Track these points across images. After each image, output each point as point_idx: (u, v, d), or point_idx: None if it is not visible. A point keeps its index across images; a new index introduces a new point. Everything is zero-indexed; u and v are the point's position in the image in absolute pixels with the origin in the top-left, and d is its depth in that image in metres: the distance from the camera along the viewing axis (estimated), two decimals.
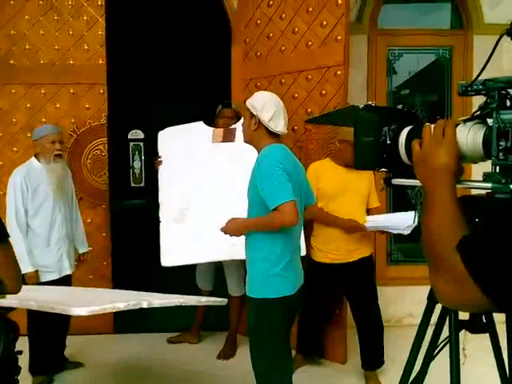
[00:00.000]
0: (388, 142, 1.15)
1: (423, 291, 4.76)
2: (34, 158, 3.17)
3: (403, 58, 4.28)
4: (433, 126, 1.06)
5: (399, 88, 4.37)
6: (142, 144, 8.69)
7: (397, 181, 1.19)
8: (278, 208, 2.07)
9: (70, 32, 3.90)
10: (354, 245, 3.13)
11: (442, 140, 1.01)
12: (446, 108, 4.29)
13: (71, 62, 3.92)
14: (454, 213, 0.93)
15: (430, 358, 1.24)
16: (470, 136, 1.02)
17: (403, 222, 2.96)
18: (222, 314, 3.80)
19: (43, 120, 3.88)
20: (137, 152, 9.09)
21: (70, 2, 3.89)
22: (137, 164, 9.52)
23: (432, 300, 1.25)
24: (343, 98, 3.37)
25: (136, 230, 6.39)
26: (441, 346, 1.24)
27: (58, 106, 3.93)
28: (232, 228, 2.31)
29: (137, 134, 8.81)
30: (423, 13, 4.34)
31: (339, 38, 3.36)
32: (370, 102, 1.20)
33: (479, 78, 1.15)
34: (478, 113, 1.04)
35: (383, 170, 1.19)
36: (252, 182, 2.22)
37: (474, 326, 1.16)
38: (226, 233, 2.32)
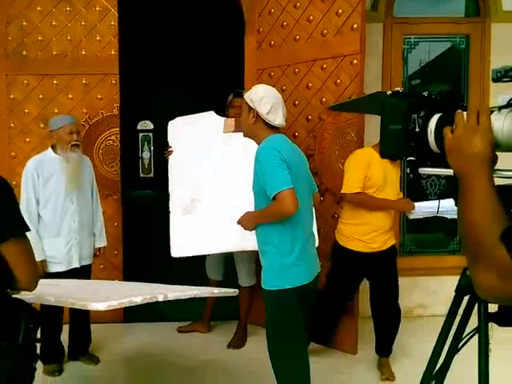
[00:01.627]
0: (417, 129, 1.12)
1: (434, 282, 4.77)
2: (50, 148, 3.16)
3: (419, 46, 4.21)
4: (465, 113, 1.03)
5: (411, 77, 4.30)
6: (151, 134, 8.69)
7: (424, 170, 1.16)
8: (276, 197, 2.06)
9: (83, 23, 3.89)
10: (388, 234, 3.13)
11: (477, 127, 0.98)
12: (463, 97, 4.22)
13: (83, 52, 3.90)
14: (493, 203, 0.90)
15: (454, 350, 1.21)
16: (506, 124, 0.99)
17: (444, 207, 2.98)
18: (232, 304, 3.79)
19: (55, 111, 3.87)
20: (146, 142, 9.10)
21: None
22: (146, 154, 9.52)
23: (460, 292, 1.21)
24: (359, 88, 3.33)
25: (145, 220, 6.41)
26: (466, 338, 1.21)
27: (71, 96, 3.92)
28: (244, 222, 2.33)
29: (146, 124, 8.81)
30: (439, 1, 4.27)
31: (355, 26, 3.31)
32: (397, 89, 1.17)
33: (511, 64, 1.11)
34: None
35: (410, 158, 1.16)
36: (254, 173, 2.23)
37: (503, 318, 1.14)
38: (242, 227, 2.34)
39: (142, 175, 9.29)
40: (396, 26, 4.16)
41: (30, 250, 1.50)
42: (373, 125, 3.74)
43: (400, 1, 4.18)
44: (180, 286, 2.52)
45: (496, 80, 1.08)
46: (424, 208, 3.08)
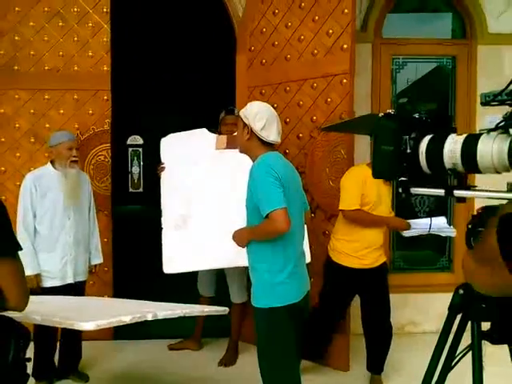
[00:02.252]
0: (408, 150, 1.15)
1: (424, 299, 4.78)
2: (49, 163, 3.17)
3: (407, 66, 4.30)
4: None
5: (399, 96, 4.38)
6: (140, 149, 8.67)
7: (416, 190, 1.19)
8: (269, 216, 2.08)
9: (75, 38, 3.91)
10: (380, 250, 3.17)
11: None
12: (451, 117, 4.30)
13: (75, 68, 3.92)
14: None
15: (448, 368, 1.22)
16: (495, 146, 1.03)
17: (437, 225, 3.04)
18: (223, 321, 3.77)
19: (47, 126, 3.88)
20: (135, 157, 9.08)
21: (75, 9, 3.90)
22: (135, 169, 9.49)
23: (452, 311, 1.23)
24: (349, 106, 3.38)
25: (135, 235, 6.38)
26: (459, 356, 1.22)
27: (62, 111, 3.92)
28: (237, 238, 2.34)
29: (136, 139, 8.81)
30: (427, 22, 4.37)
31: (345, 46, 3.38)
32: (389, 111, 1.20)
33: (498, 89, 1.15)
34: (503, 123, 1.05)
35: (402, 178, 1.19)
36: (248, 189, 2.24)
37: (495, 336, 1.16)
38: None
39: (131, 190, 9.25)
40: (384, 46, 4.25)
41: (21, 270, 1.49)
42: (362, 143, 3.81)
43: (389, 22, 4.27)
44: (170, 304, 2.51)
45: (485, 104, 1.12)
46: (417, 225, 3.11)
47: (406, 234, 3.13)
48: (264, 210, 2.09)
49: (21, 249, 1.48)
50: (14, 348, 1.49)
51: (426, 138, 1.15)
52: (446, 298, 4.72)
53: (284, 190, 2.12)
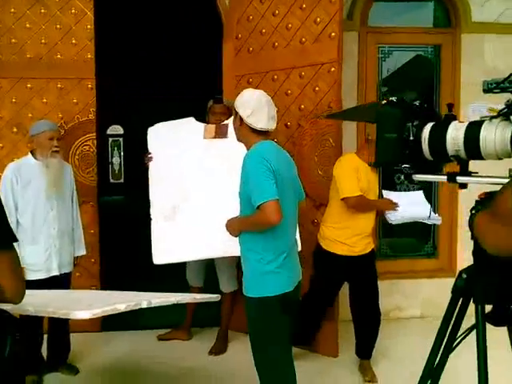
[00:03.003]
0: (411, 138, 1.16)
1: (409, 285, 4.85)
2: (30, 153, 3.09)
3: (393, 55, 4.32)
4: None
5: (382, 84, 4.40)
6: (121, 139, 8.53)
7: (418, 177, 1.20)
8: (260, 207, 2.07)
9: (58, 26, 3.82)
10: (369, 237, 3.20)
11: None
12: (434, 105, 4.34)
13: (59, 56, 3.83)
14: None
15: (449, 349, 1.25)
16: (497, 133, 1.04)
17: (422, 213, 3.10)
18: (213, 310, 3.79)
19: (30, 115, 3.80)
20: (116, 148, 8.94)
21: None
22: (116, 160, 9.35)
23: (456, 294, 1.25)
24: (337, 95, 3.39)
25: (118, 226, 6.32)
26: (460, 338, 1.25)
27: (45, 100, 3.84)
28: (229, 228, 2.34)
29: (116, 129, 8.66)
30: (412, 11, 4.40)
31: (333, 34, 3.37)
32: (392, 98, 1.20)
33: (498, 77, 1.17)
34: (505, 111, 1.06)
35: (405, 166, 1.20)
36: (240, 179, 2.23)
37: (497, 318, 1.18)
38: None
39: (112, 181, 9.13)
40: (370, 35, 4.26)
41: (17, 262, 1.46)
42: (349, 132, 3.83)
43: (375, 10, 4.28)
44: (163, 293, 2.51)
45: (487, 91, 1.13)
46: (404, 214, 3.14)
47: (394, 221, 3.17)
48: (255, 201, 2.08)
49: (16, 240, 1.45)
50: (10, 342, 1.47)
51: (429, 126, 1.17)
52: (430, 284, 4.84)
53: (276, 181, 2.11)
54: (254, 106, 2.22)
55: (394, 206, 3.11)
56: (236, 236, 2.32)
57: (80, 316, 1.73)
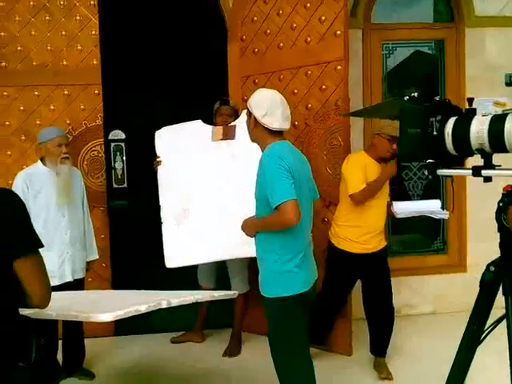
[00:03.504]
0: (434, 133, 1.16)
1: (419, 281, 4.84)
2: (39, 161, 3.10)
3: (397, 51, 4.32)
4: None
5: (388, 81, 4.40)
6: (123, 144, 8.54)
7: (442, 171, 1.21)
8: (278, 207, 2.07)
9: (63, 32, 3.83)
10: (381, 235, 3.20)
11: None
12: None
13: (64, 62, 3.85)
14: None
15: (477, 342, 1.25)
16: None
17: (431, 207, 3.06)
18: (225, 312, 3.80)
19: (37, 122, 3.81)
20: (118, 153, 8.95)
21: (62, 2, 3.82)
22: (118, 165, 9.35)
23: (485, 287, 1.25)
24: (344, 93, 3.39)
25: (124, 230, 6.32)
26: (489, 329, 1.25)
27: (53, 107, 3.86)
28: (246, 228, 2.33)
29: (118, 134, 8.67)
30: (415, 7, 4.39)
31: (338, 32, 3.38)
32: (413, 94, 1.21)
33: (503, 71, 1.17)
34: None
35: (429, 160, 1.20)
36: (257, 180, 2.23)
37: None
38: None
39: (115, 186, 9.14)
40: (374, 31, 4.26)
41: (43, 267, 1.48)
42: (356, 131, 3.83)
43: (378, 7, 4.28)
44: (179, 292, 2.51)
45: (509, 84, 1.13)
46: (410, 208, 3.15)
47: (399, 215, 3.16)
48: (274, 202, 2.08)
49: (42, 245, 1.46)
50: (35, 347, 1.48)
51: (451, 120, 1.17)
52: (440, 280, 4.84)
53: (294, 181, 2.11)
54: (268, 105, 2.21)
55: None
56: (252, 236, 2.32)
57: (103, 319, 1.74)
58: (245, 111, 2.47)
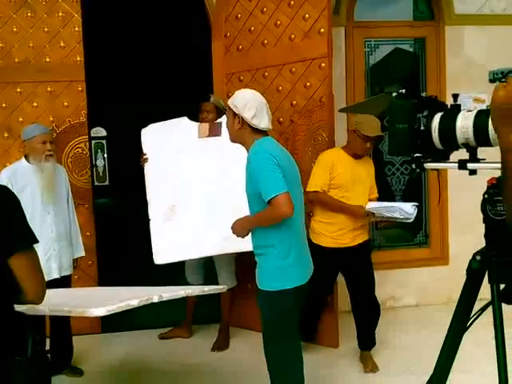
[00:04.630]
0: (422, 128, 1.21)
1: (403, 274, 4.92)
2: (23, 158, 3.08)
3: (379, 49, 4.39)
4: None
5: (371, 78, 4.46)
6: (104, 142, 8.49)
7: (429, 165, 1.26)
8: (271, 201, 2.10)
9: (45, 29, 3.80)
10: (357, 231, 3.23)
11: None
12: None
13: (47, 59, 3.81)
14: None
15: (463, 329, 1.31)
16: None
17: (404, 210, 3.06)
18: (212, 307, 3.82)
19: (20, 119, 3.78)
20: (99, 150, 8.88)
21: None
22: (100, 162, 9.29)
23: (471, 276, 1.31)
24: (328, 90, 3.44)
25: (108, 228, 6.29)
26: (475, 317, 1.31)
27: (35, 104, 3.82)
28: (238, 229, 2.35)
29: (99, 131, 8.61)
30: (397, 4, 4.46)
31: (322, 30, 3.42)
32: (402, 90, 1.25)
33: (502, 68, 1.21)
34: None
35: (417, 155, 1.25)
36: (247, 178, 2.25)
37: (510, 297, 1.24)
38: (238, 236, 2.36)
39: (96, 183, 9.08)
40: (357, 29, 4.32)
41: (38, 263, 1.48)
42: (341, 126, 3.89)
43: (360, 5, 4.34)
44: (170, 287, 2.53)
45: (493, 81, 1.18)
46: (382, 210, 3.13)
47: (368, 208, 3.16)
48: (266, 196, 2.11)
49: (37, 241, 1.47)
50: (31, 342, 1.49)
51: (438, 116, 1.22)
52: (423, 272, 4.92)
53: (284, 175, 2.15)
54: (256, 106, 2.25)
55: (360, 213, 3.10)
56: (244, 236, 2.34)
57: (96, 313, 1.75)
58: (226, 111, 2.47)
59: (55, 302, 2.04)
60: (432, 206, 4.48)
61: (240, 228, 2.32)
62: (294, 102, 3.62)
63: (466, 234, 4.03)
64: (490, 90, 1.25)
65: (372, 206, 3.17)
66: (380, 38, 4.38)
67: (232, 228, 2.35)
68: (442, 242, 4.53)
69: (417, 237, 4.61)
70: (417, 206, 3.11)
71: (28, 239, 1.45)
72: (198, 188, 3.33)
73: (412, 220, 3.11)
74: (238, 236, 2.35)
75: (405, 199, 4.53)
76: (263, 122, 2.27)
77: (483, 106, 1.18)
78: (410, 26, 4.42)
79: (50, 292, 2.61)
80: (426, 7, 4.48)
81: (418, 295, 4.47)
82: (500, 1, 4.40)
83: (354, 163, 3.18)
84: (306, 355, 3.37)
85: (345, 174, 3.14)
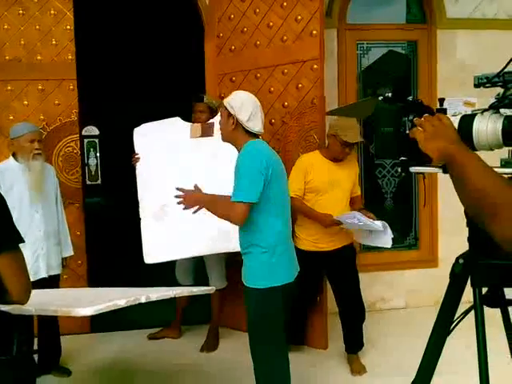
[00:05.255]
0: (407, 131, 1.22)
1: (392, 276, 4.94)
2: (11, 157, 3.07)
3: (371, 51, 4.41)
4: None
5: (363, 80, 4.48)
6: (96, 140, 8.47)
7: (415, 168, 1.27)
8: (234, 203, 2.15)
9: (37, 27, 3.78)
10: (335, 234, 3.23)
11: (445, 123, 1.11)
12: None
13: (39, 57, 3.80)
14: (487, 165, 1.00)
15: (447, 333, 1.32)
16: (489, 125, 1.11)
17: (363, 219, 3.01)
18: (202, 308, 3.82)
19: (11, 118, 3.75)
20: (91, 149, 8.85)
21: None
22: (92, 161, 9.26)
23: (455, 279, 1.32)
24: (320, 92, 3.45)
25: (99, 227, 6.27)
26: (458, 320, 1.32)
27: (26, 102, 3.80)
28: (189, 198, 2.36)
29: (91, 130, 8.59)
30: (389, 7, 4.48)
31: (314, 32, 3.43)
32: (388, 94, 1.26)
33: (488, 72, 1.23)
34: (495, 104, 1.13)
35: (402, 158, 1.26)
36: (234, 177, 2.27)
37: (492, 300, 1.26)
38: (180, 202, 2.35)
39: (88, 182, 9.06)
40: (349, 31, 4.34)
41: (23, 263, 1.48)
42: None
43: (352, 8, 4.35)
44: (159, 288, 2.52)
45: (478, 86, 1.19)
46: (344, 218, 3.10)
47: (344, 226, 3.15)
48: (233, 196, 2.16)
49: (23, 241, 1.47)
50: (17, 341, 1.48)
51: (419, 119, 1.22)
52: (413, 274, 4.94)
53: (270, 178, 2.18)
54: (252, 109, 2.27)
55: (326, 222, 3.09)
56: (190, 207, 2.34)
57: (83, 313, 1.74)
58: (221, 110, 2.48)
59: (42, 301, 2.03)
60: (422, 209, 4.50)
61: (193, 198, 2.33)
62: (286, 104, 3.62)
63: (455, 236, 4.00)
64: (480, 94, 1.26)
65: (341, 215, 3.13)
66: (372, 41, 4.40)
67: (184, 193, 2.34)
68: (432, 244, 4.56)
69: (407, 239, 4.64)
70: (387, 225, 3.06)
71: (14, 239, 1.44)
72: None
73: (386, 236, 3.06)
74: (182, 203, 2.33)
75: (395, 201, 4.58)
76: (257, 125, 2.30)
77: (478, 108, 1.20)
78: (402, 29, 4.44)
79: (37, 292, 2.62)
80: (419, 10, 4.50)
81: (407, 297, 4.50)
82: (492, 5, 4.44)
83: (333, 166, 3.19)
84: (295, 356, 3.41)
85: (320, 178, 3.15)
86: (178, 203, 2.36)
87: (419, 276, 4.47)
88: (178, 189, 2.36)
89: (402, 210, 4.61)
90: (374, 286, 4.38)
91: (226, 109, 2.30)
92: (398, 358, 3.38)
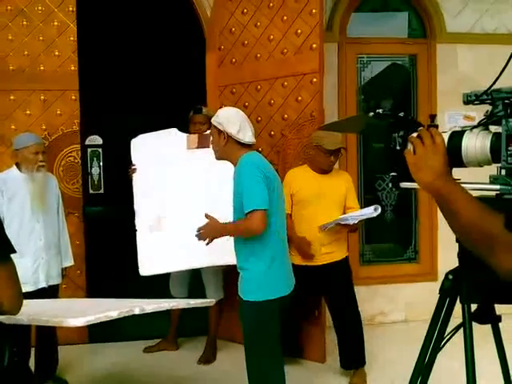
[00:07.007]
0: (397, 147, 1.23)
1: (392, 289, 4.92)
2: (14, 166, 3.09)
3: (371, 65, 4.44)
4: (416, 134, 1.17)
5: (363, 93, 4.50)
6: (100, 150, 8.52)
7: (405, 184, 1.27)
8: (249, 214, 2.16)
9: (41, 38, 3.83)
10: (327, 249, 3.21)
11: (435, 146, 1.11)
12: (412, 115, 4.46)
13: (42, 68, 3.84)
14: (477, 200, 1.01)
15: (437, 348, 1.32)
16: (478, 142, 1.12)
17: (367, 212, 3.05)
18: (198, 320, 3.80)
19: (13, 127, 3.79)
20: (95, 158, 8.91)
21: (40, 8, 3.82)
22: (95, 170, 9.31)
23: (444, 295, 1.32)
24: (319, 105, 3.47)
25: (100, 237, 6.28)
26: (448, 337, 1.32)
27: (29, 112, 3.84)
28: (208, 230, 2.37)
29: (95, 139, 8.64)
30: (389, 21, 4.52)
31: (314, 46, 3.46)
32: (378, 110, 1.27)
33: (480, 89, 1.24)
34: (484, 121, 1.14)
35: (393, 174, 1.27)
36: (234, 191, 2.30)
37: (482, 317, 1.26)
38: (200, 238, 2.38)
39: (91, 191, 9.09)
40: (349, 45, 4.37)
41: (15, 273, 1.48)
42: None
43: (353, 21, 4.39)
44: (155, 300, 2.52)
45: (467, 103, 1.20)
46: (337, 221, 3.12)
47: (323, 227, 3.15)
48: (246, 207, 2.17)
49: (14, 251, 1.47)
50: (8, 352, 1.48)
51: (413, 136, 1.23)
52: (413, 288, 4.91)
53: (270, 188, 2.20)
54: (240, 121, 2.32)
55: (307, 247, 3.11)
56: (210, 241, 2.36)
57: (73, 323, 1.75)
58: (211, 131, 2.50)
59: (35, 311, 2.03)
60: (421, 222, 4.50)
61: (211, 230, 2.34)
62: (286, 116, 3.65)
63: (455, 250, 4.01)
64: (480, 108, 1.27)
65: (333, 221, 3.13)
66: (372, 55, 4.43)
67: (202, 227, 2.35)
68: (432, 257, 4.54)
69: (406, 252, 4.62)
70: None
71: (5, 249, 1.45)
72: (185, 199, 3.34)
73: (376, 214, 3.05)
74: (200, 239, 2.36)
75: (396, 214, 4.57)
76: (247, 135, 2.33)
77: (474, 124, 1.20)
78: (403, 43, 4.47)
79: (31, 302, 2.62)
80: (419, 25, 4.54)
81: (406, 311, 4.47)
82: (492, 20, 4.46)
83: (320, 178, 3.20)
84: (292, 369, 3.40)
85: (305, 190, 3.16)
86: (199, 239, 2.38)
87: (419, 289, 4.44)
88: (206, 216, 2.36)
89: (401, 223, 4.60)
90: (373, 300, 4.36)
91: (215, 127, 2.33)
92: (398, 372, 3.34)
